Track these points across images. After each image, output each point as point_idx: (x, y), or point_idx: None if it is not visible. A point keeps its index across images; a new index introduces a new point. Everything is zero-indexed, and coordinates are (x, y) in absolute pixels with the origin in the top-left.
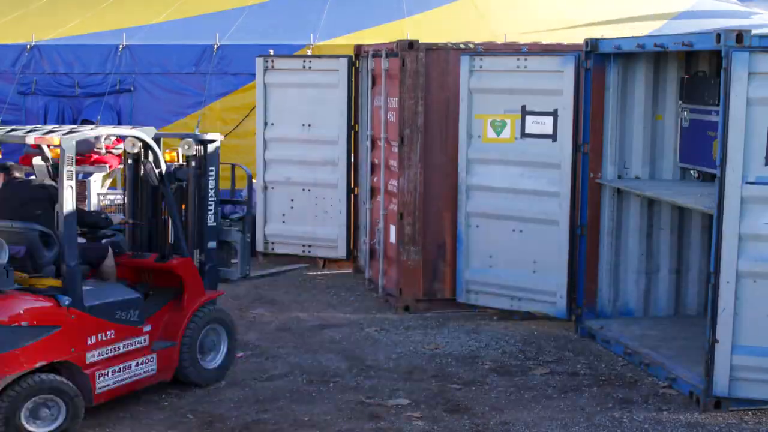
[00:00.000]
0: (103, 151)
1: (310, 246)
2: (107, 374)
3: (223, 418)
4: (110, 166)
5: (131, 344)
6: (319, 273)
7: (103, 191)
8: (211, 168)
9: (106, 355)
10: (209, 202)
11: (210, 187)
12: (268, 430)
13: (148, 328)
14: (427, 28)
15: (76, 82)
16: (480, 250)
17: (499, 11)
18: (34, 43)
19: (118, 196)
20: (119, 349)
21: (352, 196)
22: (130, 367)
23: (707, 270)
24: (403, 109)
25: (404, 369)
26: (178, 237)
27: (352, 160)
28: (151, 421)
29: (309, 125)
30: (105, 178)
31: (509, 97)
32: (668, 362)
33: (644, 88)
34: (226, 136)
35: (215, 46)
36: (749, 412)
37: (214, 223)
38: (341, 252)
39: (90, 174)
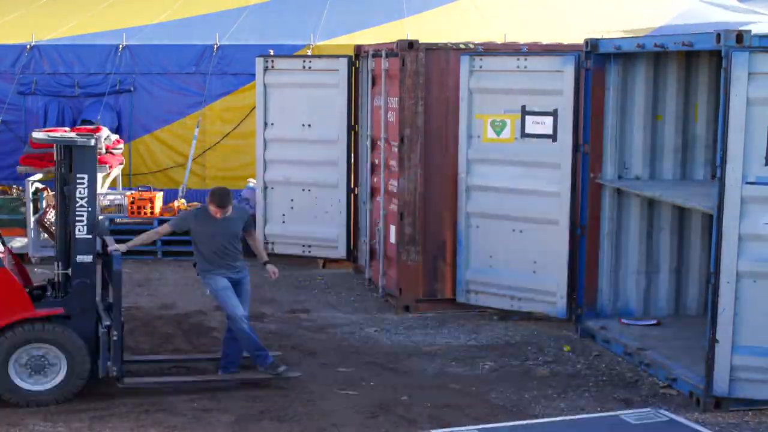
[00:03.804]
0: (103, 151)
1: (310, 246)
2: None
3: (222, 416)
4: (110, 166)
5: None
6: (319, 273)
7: (103, 191)
8: (81, 175)
9: None
10: (77, 212)
11: (79, 195)
12: (269, 429)
13: None
14: (427, 28)
15: (76, 82)
16: (480, 250)
17: (499, 11)
18: (34, 43)
19: (118, 197)
20: None
21: (352, 196)
22: None
23: (707, 270)
24: (403, 109)
25: (404, 369)
26: None
27: (352, 160)
28: (150, 420)
29: (309, 125)
30: (105, 178)
31: (509, 97)
32: (668, 362)
33: (644, 88)
34: (226, 136)
35: (215, 46)
36: (749, 412)
37: (87, 236)
38: (341, 252)
39: None
